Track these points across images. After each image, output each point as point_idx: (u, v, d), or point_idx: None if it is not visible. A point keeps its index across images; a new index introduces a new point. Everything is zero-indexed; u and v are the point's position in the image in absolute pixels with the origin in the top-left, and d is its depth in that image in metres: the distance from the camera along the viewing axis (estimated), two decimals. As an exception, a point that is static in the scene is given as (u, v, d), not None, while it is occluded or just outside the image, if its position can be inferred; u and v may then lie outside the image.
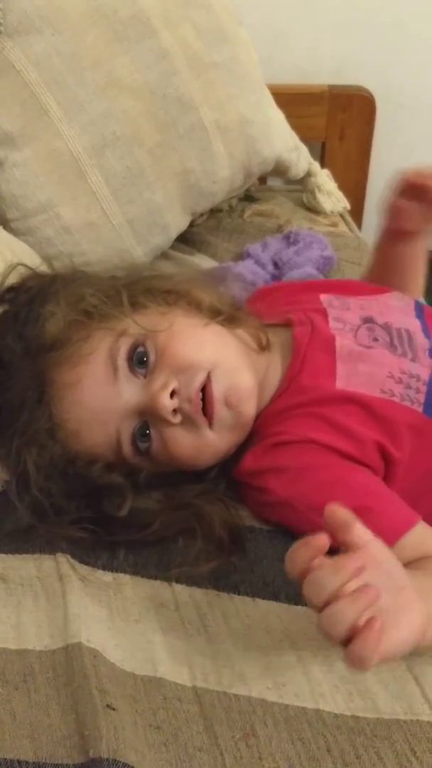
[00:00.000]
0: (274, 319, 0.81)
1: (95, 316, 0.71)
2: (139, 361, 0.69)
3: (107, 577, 0.66)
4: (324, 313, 0.79)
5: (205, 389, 0.69)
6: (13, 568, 0.66)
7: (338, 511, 0.52)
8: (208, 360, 0.70)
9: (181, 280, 0.81)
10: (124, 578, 0.66)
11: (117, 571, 0.67)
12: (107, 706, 0.55)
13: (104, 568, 0.67)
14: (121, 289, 0.74)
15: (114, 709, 0.55)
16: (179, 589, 0.66)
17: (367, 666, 0.49)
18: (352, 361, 0.74)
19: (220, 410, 0.69)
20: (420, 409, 0.72)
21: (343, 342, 0.75)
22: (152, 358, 0.69)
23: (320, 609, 0.50)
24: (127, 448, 0.70)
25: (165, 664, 0.60)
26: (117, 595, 0.65)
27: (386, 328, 0.77)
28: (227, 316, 0.76)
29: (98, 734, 0.53)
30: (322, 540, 0.51)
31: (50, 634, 0.61)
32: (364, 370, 0.73)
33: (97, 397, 0.69)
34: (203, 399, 0.69)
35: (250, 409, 0.71)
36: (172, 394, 0.68)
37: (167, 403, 0.67)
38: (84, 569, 0.66)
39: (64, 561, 0.67)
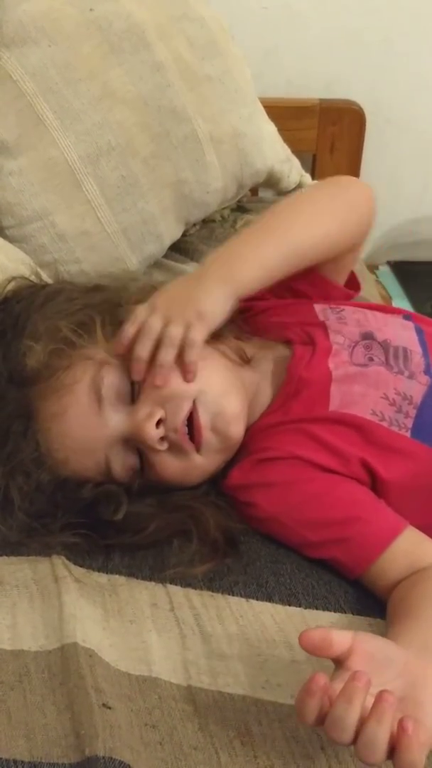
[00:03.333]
0: (269, 334, 0.79)
1: (75, 344, 0.70)
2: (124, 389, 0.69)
3: (102, 578, 0.67)
4: (323, 327, 0.78)
5: (191, 417, 0.69)
6: (8, 570, 0.67)
7: (311, 636, 0.50)
8: (194, 388, 0.69)
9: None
10: (119, 579, 0.67)
11: (112, 573, 0.67)
12: (103, 705, 0.56)
13: (99, 570, 0.67)
14: (95, 318, 0.72)
15: (110, 708, 0.56)
16: (174, 590, 0.66)
17: (421, 765, 0.47)
18: (347, 383, 0.73)
19: (207, 436, 0.70)
20: (408, 434, 0.71)
21: (338, 362, 0.74)
22: (137, 386, 0.69)
23: (352, 743, 0.48)
24: (117, 472, 0.70)
25: (160, 664, 0.60)
26: (112, 596, 0.65)
27: (384, 346, 0.76)
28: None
29: (94, 733, 0.54)
30: (321, 680, 0.49)
31: (45, 634, 0.61)
32: (359, 390, 0.73)
33: (83, 427, 0.69)
34: (190, 426, 0.69)
35: (237, 432, 0.71)
36: (158, 423, 0.68)
37: (153, 433, 0.67)
38: (79, 571, 0.67)
39: (59, 563, 0.67)
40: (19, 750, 0.54)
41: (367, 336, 0.77)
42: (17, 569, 0.67)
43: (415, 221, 1.61)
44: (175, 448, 0.69)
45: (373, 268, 1.54)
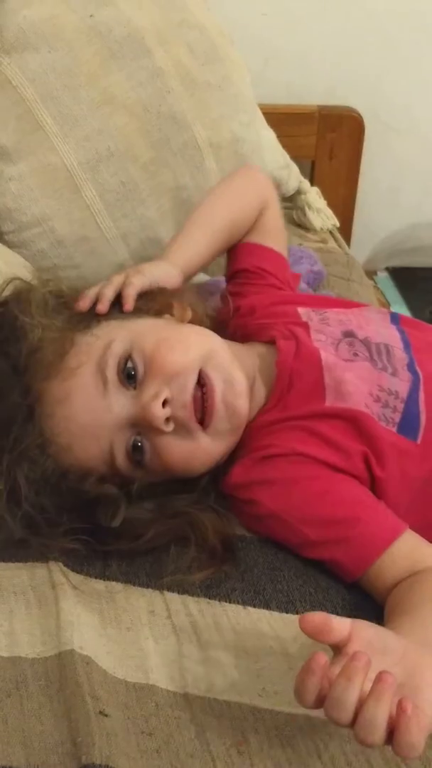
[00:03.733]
0: (255, 336, 0.81)
1: (77, 326, 0.71)
2: (128, 374, 0.69)
3: (99, 585, 0.67)
4: (305, 327, 0.79)
5: (204, 384, 0.69)
6: (5, 576, 0.67)
7: (312, 618, 0.50)
8: (198, 358, 0.70)
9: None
10: (117, 587, 0.67)
11: (109, 580, 0.67)
12: (100, 712, 0.56)
13: (97, 577, 0.67)
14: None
15: (107, 716, 0.55)
16: (171, 597, 0.66)
17: (419, 751, 0.47)
18: (338, 370, 0.74)
19: (219, 406, 0.69)
20: (394, 429, 0.72)
21: (327, 355, 0.76)
22: (141, 368, 0.69)
23: (351, 725, 0.48)
24: (120, 460, 0.70)
25: (157, 672, 0.60)
26: (109, 604, 0.65)
27: (366, 343, 0.78)
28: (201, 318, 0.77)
29: (91, 741, 0.54)
30: (322, 659, 0.49)
31: (43, 641, 0.61)
32: (350, 378, 0.74)
33: (88, 411, 0.68)
34: (203, 397, 0.69)
35: (243, 406, 0.71)
36: (164, 403, 0.68)
37: (160, 413, 0.67)
38: (76, 578, 0.67)
39: (56, 569, 0.67)
40: (16, 757, 0.54)
41: (348, 334, 0.79)
42: (14, 575, 0.67)
43: (414, 227, 1.61)
44: (181, 430, 0.69)
45: (371, 274, 1.55)
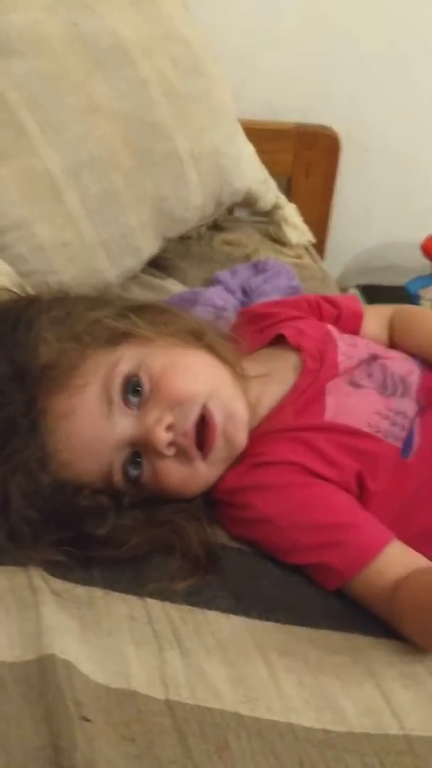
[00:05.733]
0: (285, 342, 0.81)
1: (88, 343, 0.70)
2: (132, 390, 0.69)
3: (80, 590, 0.66)
4: (334, 345, 0.81)
5: (206, 419, 0.70)
6: (-17, 580, 0.66)
7: None
8: (204, 392, 0.71)
9: (161, 306, 0.82)
10: (97, 592, 0.66)
11: (90, 585, 0.66)
12: (82, 717, 0.55)
13: (77, 582, 0.66)
14: (126, 313, 0.74)
15: (88, 721, 0.55)
16: (152, 603, 0.66)
17: None
18: (342, 397, 0.76)
19: (218, 440, 0.70)
20: (399, 446, 0.74)
21: (334, 382, 0.77)
22: (146, 388, 0.70)
23: None
24: (118, 477, 0.70)
25: (138, 678, 0.60)
26: (90, 609, 0.64)
27: (383, 368, 0.80)
28: (207, 343, 0.76)
29: (73, 745, 0.53)
30: None
31: (22, 645, 0.60)
32: (353, 403, 0.75)
33: (92, 429, 0.68)
34: (202, 430, 0.70)
35: (243, 438, 0.73)
36: (168, 428, 0.68)
37: (163, 437, 0.68)
38: (56, 583, 0.66)
39: (36, 574, 0.66)
40: (-5, 763, 0.53)
41: (373, 357, 0.81)
42: (-7, 579, 0.66)
43: (386, 246, 1.64)
44: (180, 455, 0.70)
45: (343, 290, 1.57)
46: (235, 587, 0.68)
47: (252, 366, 0.79)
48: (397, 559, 0.67)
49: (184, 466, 0.70)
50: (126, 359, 0.70)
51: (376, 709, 0.60)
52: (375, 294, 1.61)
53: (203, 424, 0.70)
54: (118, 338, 0.72)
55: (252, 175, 1.21)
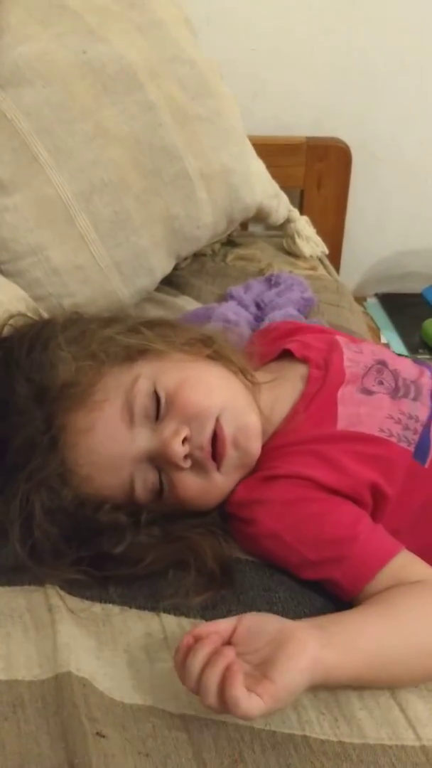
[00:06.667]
0: (290, 355, 0.83)
1: (104, 360, 0.72)
2: (152, 405, 0.71)
3: (96, 608, 0.67)
4: (340, 352, 0.82)
5: (215, 432, 0.71)
6: (2, 600, 0.67)
7: (198, 629, 0.58)
8: (218, 405, 0.72)
9: (171, 321, 0.84)
10: (113, 609, 0.67)
11: (106, 603, 0.68)
12: (97, 733, 0.56)
13: (93, 599, 0.68)
14: (138, 327, 0.76)
15: (104, 737, 0.56)
16: (167, 619, 0.67)
17: (242, 705, 0.53)
18: (353, 405, 0.76)
19: (229, 451, 0.72)
20: (411, 450, 0.74)
21: (345, 390, 0.78)
22: (163, 402, 0.71)
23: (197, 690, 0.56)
24: (139, 492, 0.71)
25: (153, 693, 0.61)
26: (106, 626, 0.66)
27: (395, 374, 0.80)
28: (217, 352, 0.78)
29: (88, 762, 0.54)
30: (185, 640, 0.58)
31: (39, 664, 0.62)
32: (365, 411, 0.76)
33: (112, 443, 0.70)
34: (213, 442, 0.71)
35: (256, 447, 0.74)
36: (184, 441, 0.70)
37: (180, 450, 0.69)
38: (73, 601, 0.67)
39: (53, 593, 0.68)
40: (14, 780, 0.54)
41: (380, 362, 0.81)
42: (11, 599, 0.67)
43: (402, 254, 1.64)
44: (197, 467, 0.71)
45: (361, 300, 1.57)
46: (249, 601, 0.68)
47: (262, 375, 0.80)
48: (403, 572, 0.67)
49: (200, 478, 0.72)
50: (145, 376, 0.72)
51: (391, 719, 0.60)
52: (393, 302, 1.61)
53: (215, 436, 0.71)
54: (134, 355, 0.74)
55: (262, 190, 1.22)
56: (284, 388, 0.80)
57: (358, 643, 0.61)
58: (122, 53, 1.08)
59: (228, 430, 0.71)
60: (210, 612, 0.67)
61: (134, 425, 0.70)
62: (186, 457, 0.70)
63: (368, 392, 0.78)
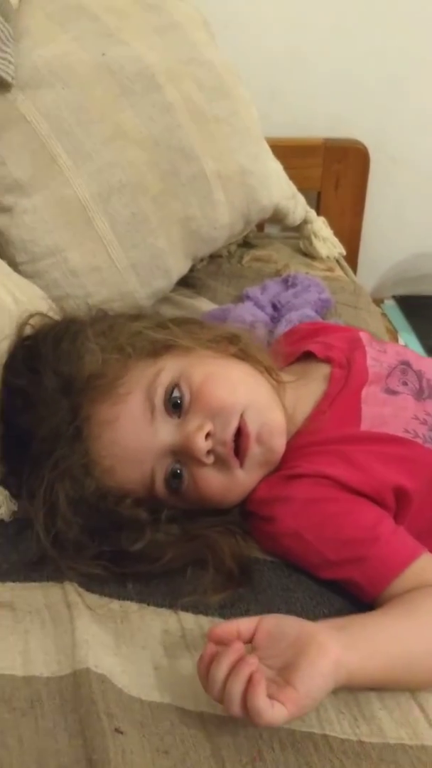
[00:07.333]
0: (313, 356, 0.83)
1: (131, 354, 0.73)
2: (174, 400, 0.71)
3: (114, 605, 0.67)
4: (363, 351, 0.82)
5: (239, 428, 0.71)
6: (21, 596, 0.67)
7: (218, 630, 0.58)
8: (242, 402, 0.72)
9: (198, 320, 0.84)
10: (132, 606, 0.67)
11: (124, 600, 0.68)
12: (115, 730, 0.56)
13: (111, 596, 0.68)
14: (166, 323, 0.77)
15: (122, 733, 0.56)
16: (185, 616, 0.66)
17: (264, 716, 0.53)
18: (377, 406, 0.76)
19: (252, 447, 0.71)
20: None
21: (369, 390, 0.77)
22: (187, 398, 0.71)
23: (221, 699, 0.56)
24: (159, 486, 0.71)
25: (171, 690, 0.60)
26: (124, 623, 0.66)
27: (419, 375, 0.80)
28: (243, 350, 0.78)
29: (106, 758, 0.54)
30: (209, 649, 0.57)
31: (58, 660, 0.62)
32: (389, 412, 0.76)
33: (135, 436, 0.70)
34: (240, 438, 0.71)
35: (280, 445, 0.73)
36: (207, 436, 0.70)
37: (202, 444, 0.69)
38: (91, 597, 0.67)
39: (71, 589, 0.68)
40: (32, 776, 0.54)
41: (404, 363, 0.81)
42: (30, 595, 0.67)
43: (420, 256, 1.63)
44: (219, 463, 0.71)
45: (378, 302, 1.56)
46: (268, 600, 0.68)
47: (285, 375, 0.80)
48: (425, 574, 0.66)
49: (223, 474, 0.71)
50: (168, 369, 0.72)
51: (412, 719, 0.60)
52: (411, 304, 1.60)
53: (239, 432, 0.71)
54: (159, 350, 0.75)
55: (279, 191, 1.22)
56: (307, 387, 0.80)
57: (380, 645, 0.60)
58: (141, 55, 1.09)
59: (252, 427, 0.71)
60: (228, 610, 0.67)
61: (156, 419, 0.71)
62: (209, 452, 0.70)
63: (392, 392, 0.78)
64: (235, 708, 0.55)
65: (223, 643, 0.58)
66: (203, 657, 0.57)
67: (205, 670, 0.57)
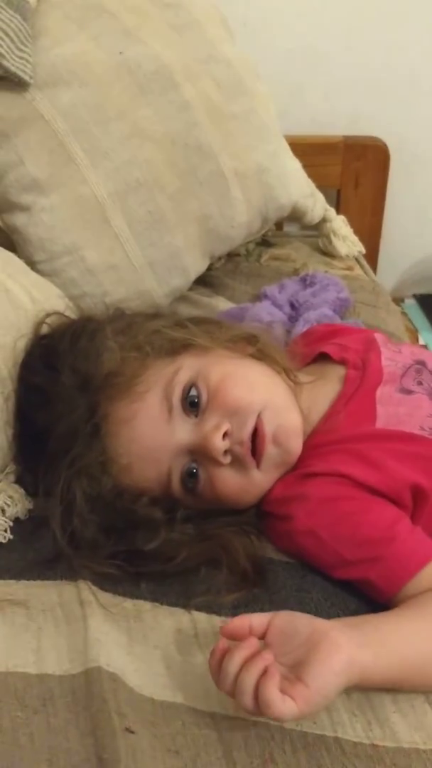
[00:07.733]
0: (328, 357, 0.83)
1: (149, 352, 0.73)
2: (191, 399, 0.71)
3: (128, 603, 0.67)
4: (378, 351, 0.82)
5: (256, 429, 0.71)
6: (34, 594, 0.68)
7: (230, 626, 0.58)
8: (259, 402, 0.72)
9: (217, 319, 0.84)
10: (145, 605, 0.67)
11: (138, 599, 0.68)
12: (126, 729, 0.56)
13: (125, 595, 0.68)
14: (184, 323, 0.77)
15: (133, 733, 0.56)
16: (199, 616, 0.66)
17: (275, 708, 0.53)
18: (392, 405, 0.76)
19: (269, 448, 0.71)
20: None
21: (384, 390, 0.77)
22: (204, 398, 0.71)
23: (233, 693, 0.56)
24: (176, 485, 0.71)
25: (183, 690, 0.60)
26: (137, 622, 0.65)
27: None
28: (261, 350, 0.78)
29: (117, 757, 0.54)
30: (221, 644, 0.57)
31: (70, 658, 0.62)
32: (404, 411, 0.75)
33: (152, 434, 0.70)
34: (253, 438, 0.71)
35: (297, 446, 0.73)
36: (224, 436, 0.70)
37: (220, 444, 0.69)
38: (105, 596, 0.67)
39: (85, 588, 0.68)
40: (43, 774, 0.54)
41: (420, 363, 0.80)
42: (43, 593, 0.67)
43: (440, 255, 1.62)
44: (236, 464, 0.71)
45: (398, 301, 1.55)
46: (282, 600, 0.68)
47: (301, 376, 0.80)
48: (429, 578, 0.65)
49: (239, 474, 0.71)
50: (185, 368, 0.72)
51: (426, 724, 0.59)
52: (431, 303, 1.58)
53: (256, 433, 0.71)
54: (178, 349, 0.75)
55: (298, 189, 1.21)
56: (323, 388, 0.80)
57: (394, 645, 0.60)
58: (158, 53, 1.09)
59: (269, 427, 0.71)
60: (241, 610, 0.66)
61: (173, 418, 0.71)
62: (226, 452, 0.70)
63: (407, 392, 0.77)
64: (248, 700, 0.54)
65: (235, 638, 0.58)
66: (215, 651, 0.57)
67: (217, 664, 0.57)
